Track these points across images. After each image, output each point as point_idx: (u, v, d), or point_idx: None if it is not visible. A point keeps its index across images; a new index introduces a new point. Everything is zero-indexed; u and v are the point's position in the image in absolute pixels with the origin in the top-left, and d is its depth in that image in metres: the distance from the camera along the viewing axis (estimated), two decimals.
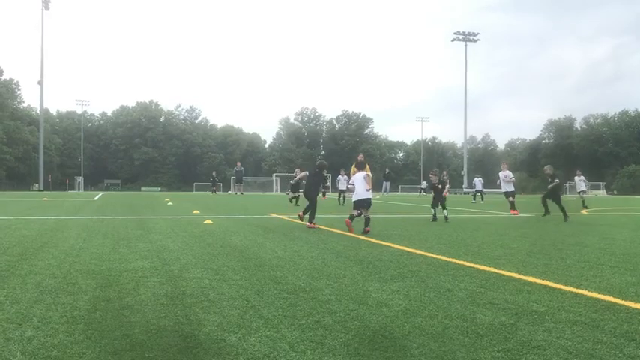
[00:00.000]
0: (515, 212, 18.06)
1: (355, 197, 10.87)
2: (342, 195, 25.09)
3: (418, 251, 7.67)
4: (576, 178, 25.87)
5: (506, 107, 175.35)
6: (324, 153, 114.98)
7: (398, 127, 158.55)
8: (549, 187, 16.47)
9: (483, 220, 15.98)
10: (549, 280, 5.51)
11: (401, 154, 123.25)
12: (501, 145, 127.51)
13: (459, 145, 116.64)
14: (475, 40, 76.69)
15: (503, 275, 5.84)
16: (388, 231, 11.09)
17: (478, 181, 31.58)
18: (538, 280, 5.51)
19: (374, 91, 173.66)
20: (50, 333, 3.48)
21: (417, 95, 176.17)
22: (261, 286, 5.01)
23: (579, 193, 25.16)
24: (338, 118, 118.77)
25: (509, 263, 6.69)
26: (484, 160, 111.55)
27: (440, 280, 5.49)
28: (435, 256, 7.23)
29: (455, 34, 76.34)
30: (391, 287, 5.04)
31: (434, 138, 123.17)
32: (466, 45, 76.27)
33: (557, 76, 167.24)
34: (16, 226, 11.12)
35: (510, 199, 18.78)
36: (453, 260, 6.86)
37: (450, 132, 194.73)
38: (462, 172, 76.69)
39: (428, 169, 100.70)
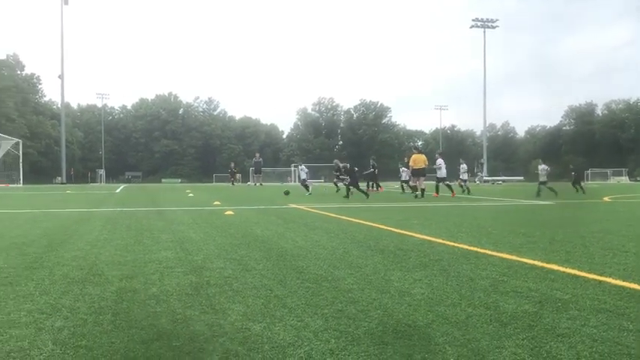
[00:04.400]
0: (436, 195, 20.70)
1: None
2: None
3: (439, 240, 7.65)
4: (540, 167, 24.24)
5: (525, 94, 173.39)
6: (341, 143, 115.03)
7: (416, 115, 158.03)
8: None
9: (504, 208, 15.86)
10: (573, 268, 5.47)
11: (420, 143, 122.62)
12: (521, 132, 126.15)
13: (478, 133, 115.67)
14: (494, 27, 75.78)
15: (525, 263, 5.81)
16: (409, 220, 11.08)
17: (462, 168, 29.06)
18: (561, 268, 5.47)
19: (392, 79, 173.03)
20: (79, 323, 3.56)
21: (436, 83, 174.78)
22: (283, 276, 5.06)
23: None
24: (356, 107, 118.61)
25: (531, 251, 6.65)
26: (503, 148, 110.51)
27: (462, 268, 5.49)
28: (456, 244, 7.22)
29: (473, 20, 75.65)
30: (413, 276, 5.05)
31: (453, 126, 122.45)
32: (484, 31, 75.50)
33: (577, 61, 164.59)
34: (42, 218, 11.33)
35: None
36: (475, 249, 6.84)
37: (469, 120, 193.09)
38: (482, 160, 76.11)
39: (447, 157, 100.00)
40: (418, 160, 21.73)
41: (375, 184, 28.10)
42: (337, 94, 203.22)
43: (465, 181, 27.32)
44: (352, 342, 3.15)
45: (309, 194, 22.63)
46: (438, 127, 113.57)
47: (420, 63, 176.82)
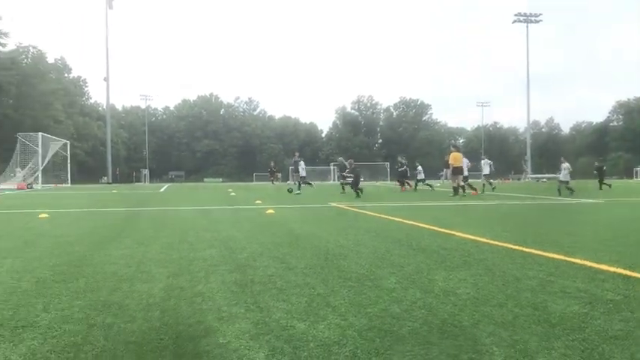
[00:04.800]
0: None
1: None
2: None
3: (483, 239, 7.53)
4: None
5: (570, 89, 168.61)
6: (381, 141, 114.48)
7: (458, 112, 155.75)
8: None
9: (548, 206, 15.49)
10: (624, 269, 5.30)
11: (461, 141, 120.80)
12: (566, 128, 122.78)
13: (521, 130, 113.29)
14: (537, 21, 74.08)
15: (573, 263, 5.66)
16: (451, 219, 10.95)
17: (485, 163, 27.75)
18: (611, 269, 5.31)
19: (432, 76, 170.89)
20: (128, 320, 3.65)
21: (478, 79, 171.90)
22: (326, 275, 5.07)
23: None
24: (395, 105, 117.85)
25: (579, 251, 6.48)
26: (548, 145, 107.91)
27: (507, 268, 5.39)
28: (500, 244, 7.09)
29: (515, 15, 74.05)
30: (457, 276, 4.99)
31: (495, 123, 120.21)
32: (527, 26, 73.85)
33: (625, 55, 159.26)
34: (90, 217, 11.67)
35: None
36: (520, 248, 6.70)
37: (511, 117, 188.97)
38: (525, 158, 74.64)
39: (489, 155, 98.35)
40: (458, 158, 21.45)
41: (406, 182, 27.72)
42: (376, 92, 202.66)
43: (488, 176, 26.63)
44: (397, 341, 3.14)
45: (298, 193, 22.46)
46: (480, 125, 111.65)
47: (461, 59, 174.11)
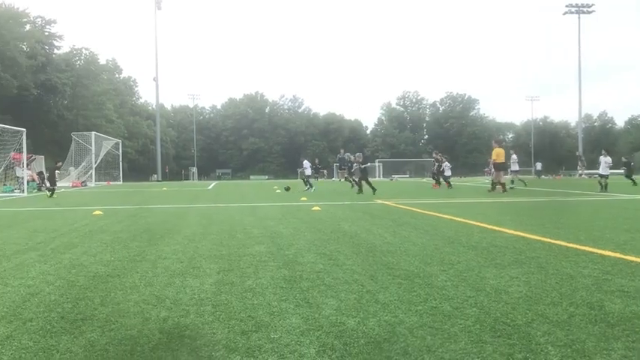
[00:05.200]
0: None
1: None
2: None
3: (535, 237, 7.35)
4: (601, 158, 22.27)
5: (625, 82, 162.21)
6: (427, 137, 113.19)
7: (506, 107, 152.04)
8: None
9: (602, 203, 14.97)
10: None
11: (510, 136, 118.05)
12: (620, 122, 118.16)
13: (572, 125, 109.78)
14: (589, 12, 71.71)
15: (631, 262, 5.46)
16: (500, 216, 10.74)
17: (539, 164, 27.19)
18: None
19: (479, 70, 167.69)
20: (182, 314, 3.74)
21: (527, 72, 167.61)
22: (374, 272, 5.06)
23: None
24: (442, 100, 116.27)
25: (636, 248, 6.25)
26: (600, 140, 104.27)
27: (561, 266, 5.25)
28: (553, 241, 6.91)
29: (567, 6, 71.80)
30: (509, 274, 4.89)
31: (545, 117, 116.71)
32: (579, 17, 71.56)
33: None
34: (142, 214, 12.00)
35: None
36: (574, 246, 6.51)
37: (562, 110, 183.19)
38: (577, 153, 72.28)
39: (539, 150, 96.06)
40: (502, 153, 21.05)
41: (437, 179, 27.07)
42: (422, 87, 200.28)
43: (516, 172, 25.74)
44: (449, 339, 3.11)
45: (314, 190, 22.11)
46: (530, 119, 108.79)
47: (509, 51, 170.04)
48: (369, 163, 25.90)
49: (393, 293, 4.21)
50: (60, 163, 30.02)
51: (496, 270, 5.08)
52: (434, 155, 28.27)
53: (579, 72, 73.78)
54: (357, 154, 22.21)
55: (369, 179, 20.42)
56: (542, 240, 7.04)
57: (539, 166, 54.54)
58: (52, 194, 20.79)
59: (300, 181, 23.16)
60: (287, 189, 21.75)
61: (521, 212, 12.30)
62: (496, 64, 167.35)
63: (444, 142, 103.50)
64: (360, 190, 19.14)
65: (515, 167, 25.47)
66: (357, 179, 21.26)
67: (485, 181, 35.02)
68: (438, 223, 9.31)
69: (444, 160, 26.63)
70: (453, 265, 5.34)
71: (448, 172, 26.36)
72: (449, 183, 25.79)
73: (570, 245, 6.56)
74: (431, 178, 28.06)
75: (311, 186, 22.93)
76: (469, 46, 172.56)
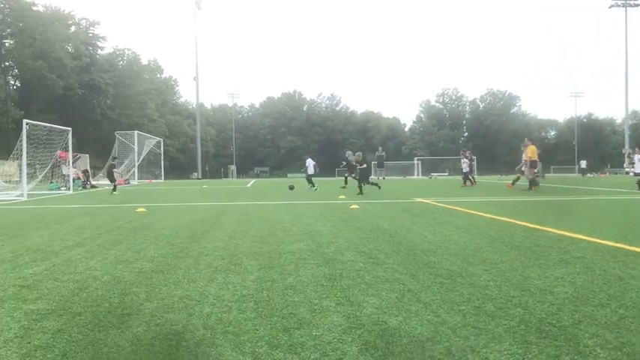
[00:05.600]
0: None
1: None
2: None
3: (580, 236, 7.17)
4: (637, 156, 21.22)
5: None
6: (467, 134, 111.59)
7: (548, 103, 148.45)
8: None
9: None
10: None
11: (552, 133, 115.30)
12: None
13: (618, 121, 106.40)
14: (636, 5, 69.42)
15: None
16: (543, 215, 10.50)
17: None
18: None
19: (521, 65, 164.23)
20: (225, 310, 3.79)
21: (570, 68, 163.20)
22: (415, 271, 5.02)
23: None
24: (482, 97, 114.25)
25: None
26: None
27: (608, 266, 5.10)
28: (600, 241, 6.72)
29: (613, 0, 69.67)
30: (554, 274, 4.78)
31: (589, 114, 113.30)
32: (626, 10, 69.34)
33: None
34: (184, 211, 12.21)
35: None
36: (622, 246, 6.32)
37: (608, 107, 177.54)
38: (623, 151, 70.09)
39: (583, 148, 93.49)
40: (535, 151, 20.78)
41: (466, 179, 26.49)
42: (462, 84, 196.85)
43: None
44: (493, 340, 3.06)
45: (315, 189, 21.74)
46: (573, 116, 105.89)
47: (553, 46, 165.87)
48: (376, 161, 25.84)
49: (435, 292, 4.17)
50: (116, 160, 30.98)
51: (540, 270, 4.98)
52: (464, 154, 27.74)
53: (626, 67, 71.68)
54: (357, 153, 21.81)
55: (371, 177, 19.87)
56: (588, 239, 6.86)
57: (583, 164, 53.18)
58: (114, 190, 22.26)
59: (311, 180, 22.92)
60: (291, 188, 21.50)
61: (565, 211, 12.01)
62: (538, 60, 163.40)
63: (484, 139, 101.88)
64: (361, 192, 18.70)
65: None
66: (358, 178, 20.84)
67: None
68: (479, 222, 9.17)
69: (471, 158, 26.30)
70: (496, 265, 5.26)
71: (466, 169, 25.83)
72: (471, 181, 25.38)
73: (618, 245, 6.38)
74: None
75: (313, 185, 22.82)
76: (510, 41, 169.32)
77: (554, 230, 7.83)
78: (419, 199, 15.51)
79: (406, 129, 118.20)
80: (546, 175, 43.11)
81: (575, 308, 3.68)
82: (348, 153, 25.52)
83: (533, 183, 19.87)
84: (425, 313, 3.60)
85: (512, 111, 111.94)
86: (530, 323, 3.36)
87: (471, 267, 5.17)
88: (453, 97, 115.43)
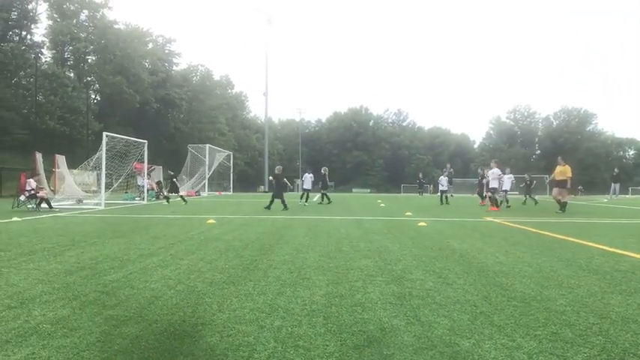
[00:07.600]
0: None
1: None
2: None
3: None
4: None
5: None
6: (539, 152, 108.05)
7: (627, 121, 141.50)
8: None
9: None
10: None
11: (631, 152, 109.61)
12: None
13: None
14: None
15: None
16: (623, 239, 9.98)
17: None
18: None
19: (597, 82, 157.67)
20: (295, 324, 3.83)
21: None
22: (487, 292, 4.90)
23: None
24: (555, 114, 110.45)
25: None
26: None
27: None
28: None
29: None
30: (637, 301, 4.54)
31: None
32: None
33: None
34: (252, 223, 12.44)
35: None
36: None
37: None
38: None
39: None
40: (564, 172, 19.78)
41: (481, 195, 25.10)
42: (534, 101, 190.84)
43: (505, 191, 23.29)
44: None
45: (307, 204, 21.82)
46: None
47: (631, 61, 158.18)
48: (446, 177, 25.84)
49: (508, 316, 4.05)
50: (174, 173, 32.23)
51: (622, 297, 4.73)
52: (480, 171, 26.58)
53: None
54: (278, 167, 21.93)
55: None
56: None
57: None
58: (184, 200, 23.72)
59: (308, 195, 23.54)
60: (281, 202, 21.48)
61: None
62: (616, 75, 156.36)
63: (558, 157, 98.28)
64: (285, 207, 19.12)
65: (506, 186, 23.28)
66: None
67: (604, 200, 32.67)
68: (552, 244, 8.84)
69: (444, 171, 25.50)
70: (573, 290, 5.05)
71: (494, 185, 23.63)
72: (486, 198, 23.41)
73: None
74: (523, 197, 26.69)
75: (306, 200, 23.06)
76: (585, 56, 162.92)
77: (636, 255, 7.44)
78: (489, 218, 15.11)
79: (475, 145, 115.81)
80: (578, 195, 41.34)
81: None
82: (324, 169, 25.74)
83: (562, 204, 18.81)
84: (499, 337, 3.50)
85: (587, 129, 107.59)
86: (612, 352, 3.21)
87: (546, 290, 4.98)
88: (525, 114, 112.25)
